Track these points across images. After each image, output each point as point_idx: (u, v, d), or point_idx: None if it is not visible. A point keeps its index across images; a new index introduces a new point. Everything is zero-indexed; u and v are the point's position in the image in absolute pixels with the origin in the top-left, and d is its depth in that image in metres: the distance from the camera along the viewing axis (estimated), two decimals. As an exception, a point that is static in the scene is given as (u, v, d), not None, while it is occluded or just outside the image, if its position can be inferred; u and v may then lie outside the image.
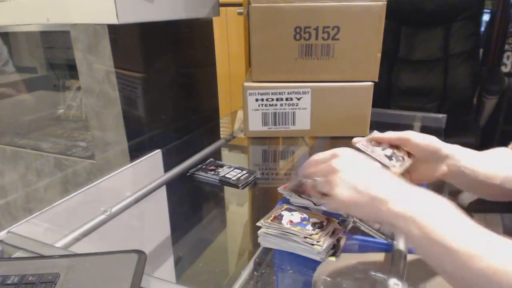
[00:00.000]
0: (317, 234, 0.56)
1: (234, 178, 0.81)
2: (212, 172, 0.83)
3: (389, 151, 0.59)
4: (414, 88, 1.74)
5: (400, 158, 0.58)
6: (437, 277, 0.56)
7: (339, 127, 1.00)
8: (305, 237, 0.55)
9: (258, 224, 0.60)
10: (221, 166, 0.87)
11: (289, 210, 0.64)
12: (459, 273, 0.38)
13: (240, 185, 0.79)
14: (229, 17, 2.00)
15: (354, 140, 0.62)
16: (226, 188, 0.82)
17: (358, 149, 0.57)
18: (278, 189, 0.70)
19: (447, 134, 1.13)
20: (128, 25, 0.89)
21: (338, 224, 0.61)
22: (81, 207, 0.72)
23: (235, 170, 0.85)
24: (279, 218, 0.61)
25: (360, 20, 0.91)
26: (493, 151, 0.61)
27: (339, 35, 0.92)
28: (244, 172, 0.84)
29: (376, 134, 0.62)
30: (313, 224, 0.59)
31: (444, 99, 1.70)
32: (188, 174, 0.85)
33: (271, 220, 0.59)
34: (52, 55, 1.57)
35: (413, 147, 0.59)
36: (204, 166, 0.87)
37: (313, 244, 0.54)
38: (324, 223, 0.59)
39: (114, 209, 0.69)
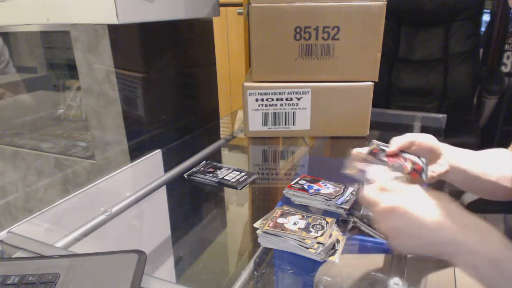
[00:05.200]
0: (312, 237, 0.56)
1: (232, 181, 0.81)
2: (211, 174, 0.83)
3: (397, 161, 0.56)
4: (414, 88, 1.73)
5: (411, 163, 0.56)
6: (436, 277, 0.56)
7: (339, 127, 1.00)
8: (300, 241, 0.55)
9: (255, 225, 0.60)
10: (219, 168, 0.86)
11: (288, 211, 0.64)
12: None
13: (239, 188, 0.79)
14: (229, 17, 2.00)
15: (355, 152, 0.59)
16: (226, 188, 0.82)
17: (372, 160, 0.55)
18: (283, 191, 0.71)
19: (447, 134, 1.13)
20: (128, 25, 0.89)
21: (338, 224, 0.61)
22: (81, 207, 0.72)
23: (234, 172, 0.84)
24: (276, 221, 0.61)
25: (360, 20, 0.91)
26: (492, 151, 0.61)
27: (339, 35, 0.92)
28: (243, 174, 0.83)
29: (375, 143, 0.59)
30: (312, 226, 0.59)
31: (444, 99, 1.70)
32: (185, 176, 0.84)
33: (268, 226, 0.59)
34: (52, 55, 1.57)
35: (418, 147, 0.58)
36: (201, 168, 0.86)
37: (307, 248, 0.55)
38: (323, 224, 0.59)
39: (114, 209, 0.69)
